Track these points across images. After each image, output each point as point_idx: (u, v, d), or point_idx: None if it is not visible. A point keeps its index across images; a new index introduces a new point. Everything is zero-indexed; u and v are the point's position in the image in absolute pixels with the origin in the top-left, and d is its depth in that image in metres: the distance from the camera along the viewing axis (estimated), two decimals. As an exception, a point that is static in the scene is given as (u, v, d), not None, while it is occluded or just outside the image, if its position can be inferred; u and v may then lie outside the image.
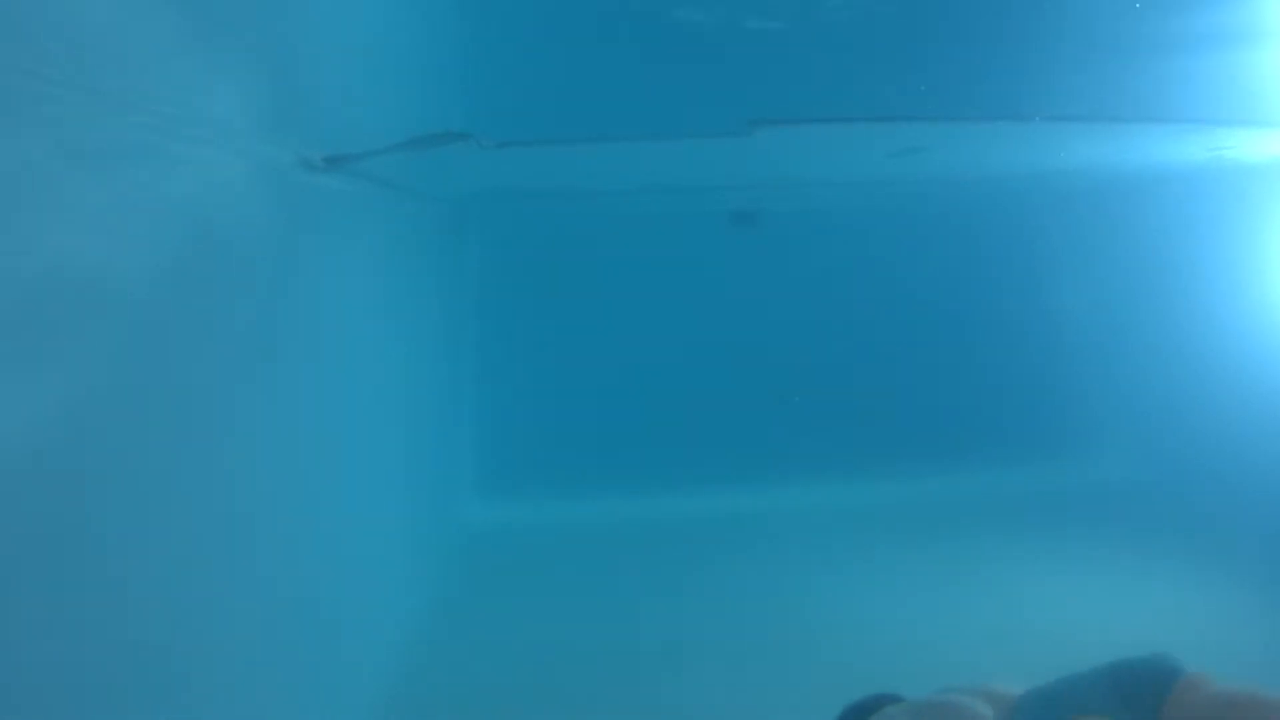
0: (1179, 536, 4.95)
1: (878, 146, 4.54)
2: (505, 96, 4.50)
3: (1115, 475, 5.90)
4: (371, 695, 3.68)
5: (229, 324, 2.56)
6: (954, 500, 5.82)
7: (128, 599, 1.94)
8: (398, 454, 4.55)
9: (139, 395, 2.04)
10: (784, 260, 6.57)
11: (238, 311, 2.63)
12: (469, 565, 5.33)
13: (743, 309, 6.56)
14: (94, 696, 1.79)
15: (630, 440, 6.20)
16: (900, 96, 4.15)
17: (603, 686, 3.88)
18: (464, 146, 3.50)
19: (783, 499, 5.98)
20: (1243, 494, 4.82)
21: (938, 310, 6.44)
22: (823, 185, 6.23)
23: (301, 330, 3.15)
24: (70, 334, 1.82)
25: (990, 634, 4.02)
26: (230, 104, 2.53)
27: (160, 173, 2.24)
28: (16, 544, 1.60)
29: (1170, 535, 4.99)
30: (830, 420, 6.22)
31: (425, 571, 4.88)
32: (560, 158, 4.29)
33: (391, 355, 4.47)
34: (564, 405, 6.41)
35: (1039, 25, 4.59)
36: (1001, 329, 6.33)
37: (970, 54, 4.66)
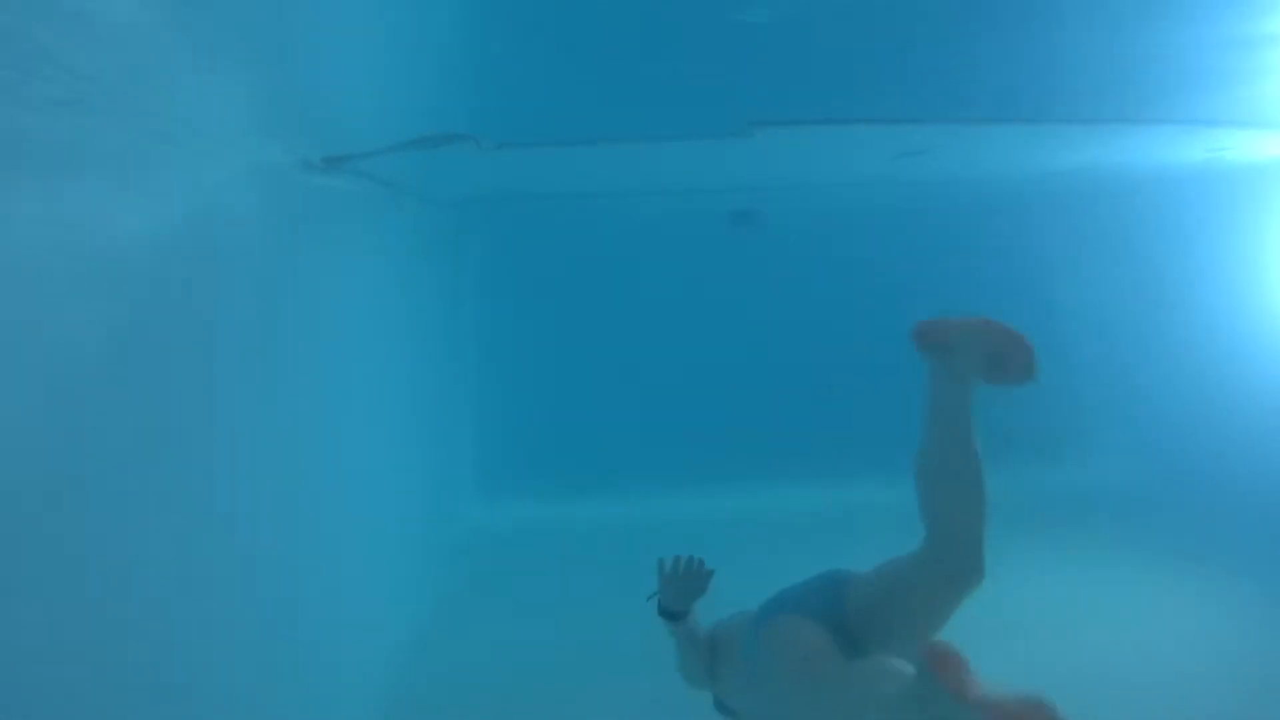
0: (1176, 538, 4.94)
1: (878, 149, 4.53)
2: (506, 98, 4.49)
3: (1113, 477, 5.89)
4: (371, 695, 3.68)
5: (227, 324, 2.57)
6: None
7: (125, 601, 1.94)
8: (398, 454, 4.55)
9: (136, 396, 2.04)
10: (784, 261, 6.57)
11: (236, 312, 2.64)
12: (469, 565, 5.33)
13: (743, 310, 6.56)
14: (91, 700, 1.80)
15: (630, 440, 6.20)
16: (901, 98, 4.14)
17: (603, 686, 3.88)
18: (465, 147, 3.50)
19: (783, 499, 5.98)
20: (1241, 496, 4.82)
21: (937, 311, 6.42)
22: (822, 186, 6.23)
23: (300, 331, 3.15)
24: (66, 335, 1.82)
25: (987, 634, 4.00)
26: (229, 103, 2.53)
27: (157, 173, 2.24)
28: (6, 548, 1.60)
29: (1168, 537, 4.98)
30: (829, 421, 6.22)
31: (425, 571, 4.88)
32: (561, 159, 4.29)
33: (391, 356, 4.47)
34: (564, 405, 6.41)
35: (1039, 26, 4.59)
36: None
37: (970, 55, 4.65)
